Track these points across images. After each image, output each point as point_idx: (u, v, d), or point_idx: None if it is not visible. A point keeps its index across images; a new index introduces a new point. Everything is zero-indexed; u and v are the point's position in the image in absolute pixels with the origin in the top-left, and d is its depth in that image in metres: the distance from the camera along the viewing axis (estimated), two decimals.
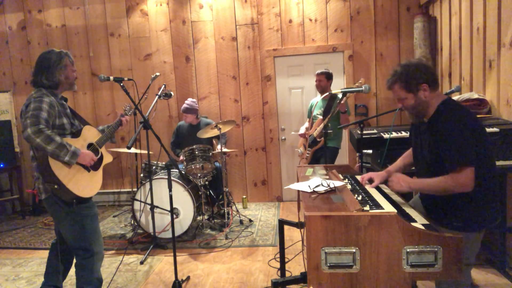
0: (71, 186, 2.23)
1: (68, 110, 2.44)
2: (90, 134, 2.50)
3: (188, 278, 3.15)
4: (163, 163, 4.33)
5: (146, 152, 3.87)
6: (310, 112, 4.43)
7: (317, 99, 4.36)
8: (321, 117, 4.06)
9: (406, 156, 2.25)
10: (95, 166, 2.43)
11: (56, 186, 2.21)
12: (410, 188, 1.87)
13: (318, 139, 3.98)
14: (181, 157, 4.21)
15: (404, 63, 1.92)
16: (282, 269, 2.64)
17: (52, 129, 2.26)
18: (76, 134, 2.42)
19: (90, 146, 2.47)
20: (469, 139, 1.74)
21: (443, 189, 1.77)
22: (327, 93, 3.58)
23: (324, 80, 4.18)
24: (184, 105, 4.54)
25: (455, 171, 1.73)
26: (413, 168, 2.16)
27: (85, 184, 2.34)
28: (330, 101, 3.94)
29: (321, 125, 3.89)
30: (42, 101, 2.22)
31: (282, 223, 2.59)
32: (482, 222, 1.83)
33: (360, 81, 3.40)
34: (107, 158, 2.60)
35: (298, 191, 2.26)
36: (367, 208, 1.68)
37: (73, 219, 2.34)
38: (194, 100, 4.66)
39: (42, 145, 2.12)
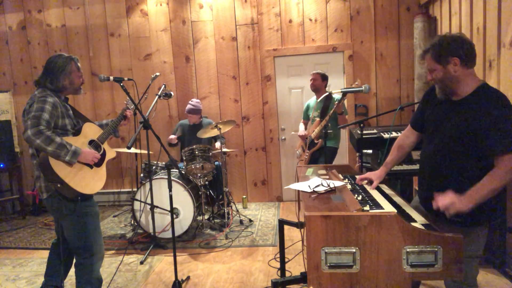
0: (74, 184, 2.24)
1: (70, 111, 2.46)
2: (91, 131, 2.51)
3: (188, 278, 3.15)
4: (163, 163, 4.33)
5: (146, 152, 3.87)
6: (305, 113, 4.41)
7: (313, 102, 4.33)
8: (318, 118, 4.05)
9: (398, 148, 2.20)
10: (97, 163, 2.43)
11: (59, 185, 2.22)
12: (473, 202, 1.68)
13: (315, 141, 3.96)
14: (174, 137, 4.54)
15: (442, 35, 1.85)
16: (282, 269, 2.63)
17: (54, 130, 2.26)
18: (76, 132, 2.42)
19: (91, 142, 2.47)
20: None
21: (504, 182, 1.68)
22: (323, 96, 3.52)
23: (319, 79, 4.12)
24: (189, 106, 4.57)
25: (503, 159, 1.66)
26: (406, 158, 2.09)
27: (88, 181, 2.34)
28: (327, 101, 3.93)
29: (319, 127, 3.86)
30: (46, 101, 2.23)
31: (282, 223, 2.59)
32: (486, 216, 1.79)
33: (356, 83, 3.36)
34: (110, 154, 2.60)
35: (298, 191, 2.26)
36: (367, 208, 1.68)
37: (75, 217, 2.35)
38: (198, 100, 4.70)
39: (42, 146, 2.13)
